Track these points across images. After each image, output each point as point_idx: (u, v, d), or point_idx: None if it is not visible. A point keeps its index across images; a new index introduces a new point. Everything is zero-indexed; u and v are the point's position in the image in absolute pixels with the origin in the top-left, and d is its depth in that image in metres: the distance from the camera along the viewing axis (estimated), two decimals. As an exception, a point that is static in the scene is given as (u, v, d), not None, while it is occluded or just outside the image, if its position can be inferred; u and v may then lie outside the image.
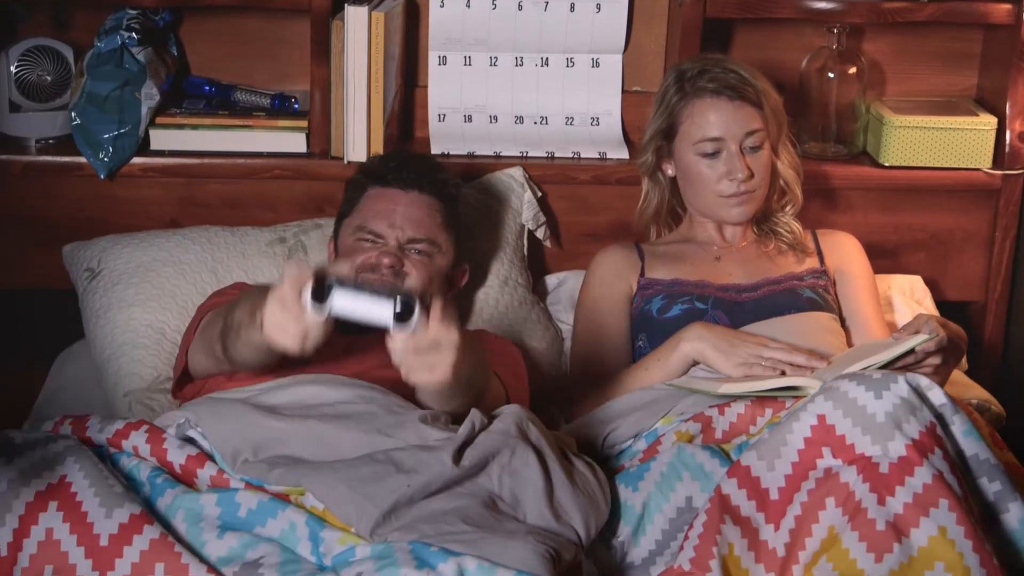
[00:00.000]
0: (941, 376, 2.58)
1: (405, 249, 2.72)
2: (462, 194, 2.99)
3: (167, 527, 2.16)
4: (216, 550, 2.13)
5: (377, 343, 2.66)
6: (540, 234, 3.19)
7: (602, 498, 2.33)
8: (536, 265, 3.22)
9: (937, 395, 2.18)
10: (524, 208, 3.15)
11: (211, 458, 2.30)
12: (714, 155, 2.81)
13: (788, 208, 2.92)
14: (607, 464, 2.49)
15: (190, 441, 2.34)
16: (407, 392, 2.51)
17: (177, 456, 2.28)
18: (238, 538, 2.14)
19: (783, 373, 2.56)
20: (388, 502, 2.15)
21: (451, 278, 2.84)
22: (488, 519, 2.18)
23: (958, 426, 2.17)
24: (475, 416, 2.31)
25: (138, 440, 2.30)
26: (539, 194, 3.18)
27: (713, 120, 2.80)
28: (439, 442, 2.26)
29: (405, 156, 2.97)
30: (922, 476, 2.06)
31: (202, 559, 2.12)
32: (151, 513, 2.16)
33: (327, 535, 2.13)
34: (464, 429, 2.28)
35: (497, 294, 3.03)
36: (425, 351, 2.12)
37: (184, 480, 2.28)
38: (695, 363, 2.68)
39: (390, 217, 2.74)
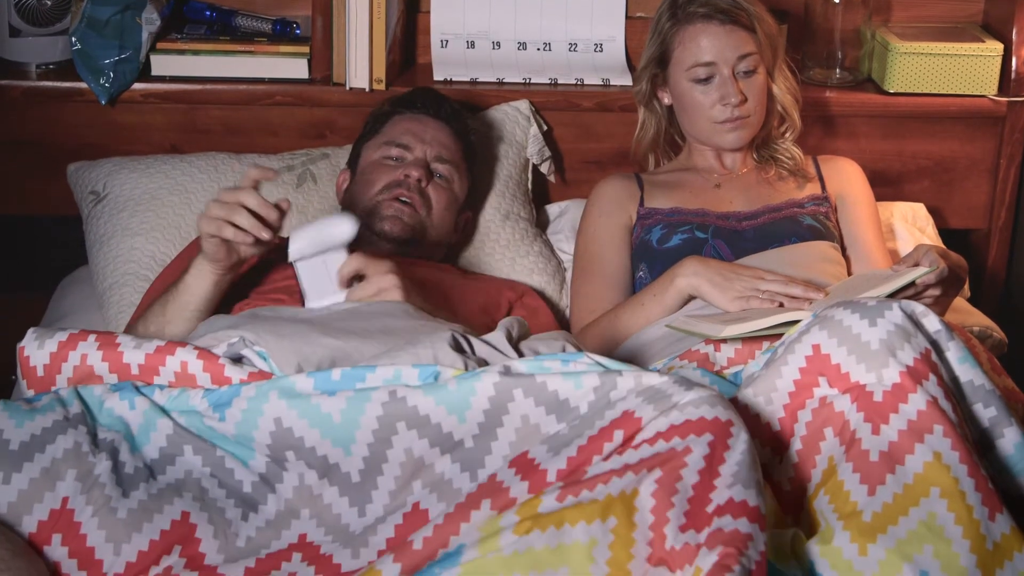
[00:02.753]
0: (941, 307, 2.57)
1: (431, 169, 2.79)
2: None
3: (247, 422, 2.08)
4: (336, 405, 2.04)
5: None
6: (545, 168, 3.18)
7: None
8: (539, 193, 3.21)
9: (932, 322, 2.17)
10: (529, 142, 3.14)
11: (275, 375, 2.19)
12: (707, 81, 2.80)
13: (788, 134, 2.91)
14: None
15: (239, 361, 2.24)
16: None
17: (237, 372, 2.17)
18: (352, 392, 2.05)
19: (780, 305, 2.55)
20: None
21: (456, 222, 2.88)
22: None
23: (953, 352, 2.16)
24: (508, 322, 2.28)
25: (187, 356, 2.18)
26: (545, 128, 3.17)
27: (705, 45, 2.78)
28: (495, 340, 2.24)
29: (433, 92, 3.01)
30: (916, 403, 2.05)
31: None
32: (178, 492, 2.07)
33: (442, 369, 2.08)
34: (502, 329, 2.25)
35: (499, 228, 3.03)
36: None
37: None
38: (691, 297, 2.67)
39: (420, 134, 2.83)
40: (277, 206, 2.40)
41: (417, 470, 2.03)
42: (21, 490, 2.04)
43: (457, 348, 2.16)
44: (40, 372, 2.22)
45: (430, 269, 2.76)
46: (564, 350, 2.24)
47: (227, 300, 2.59)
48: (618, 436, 1.95)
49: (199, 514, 2.05)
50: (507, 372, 2.04)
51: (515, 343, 2.24)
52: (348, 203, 2.84)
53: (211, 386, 2.18)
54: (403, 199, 2.76)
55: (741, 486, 1.85)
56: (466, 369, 2.10)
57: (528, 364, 2.07)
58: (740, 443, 1.92)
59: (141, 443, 2.14)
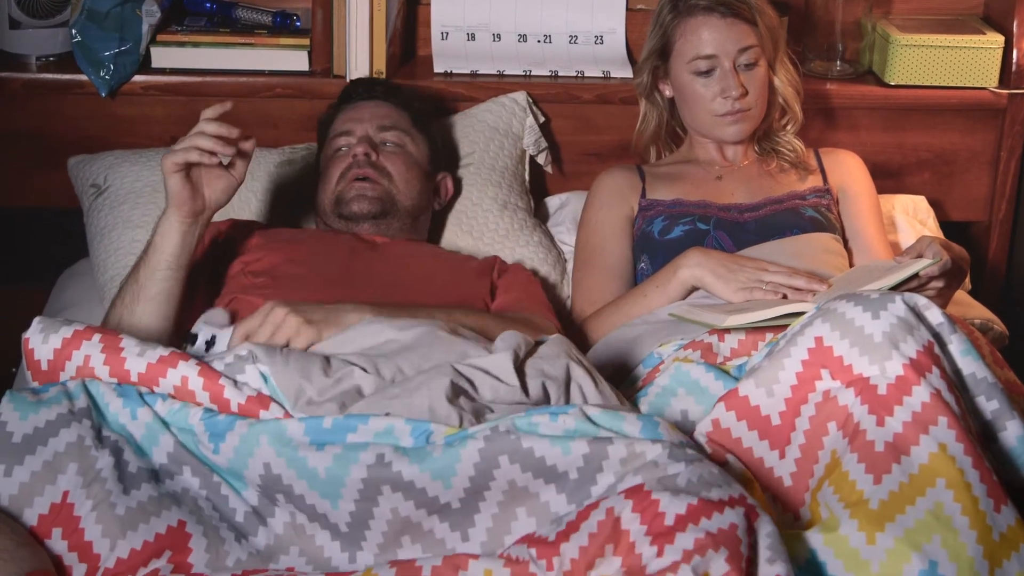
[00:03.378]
0: (943, 299, 2.57)
1: (377, 142, 2.83)
2: (460, 117, 3.10)
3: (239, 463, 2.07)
4: (322, 462, 2.02)
5: (373, 266, 2.68)
6: (541, 159, 3.18)
7: None
8: (539, 186, 3.21)
9: (935, 314, 2.17)
10: (525, 133, 3.13)
11: (273, 400, 2.17)
12: (708, 73, 2.80)
13: (789, 127, 2.91)
14: None
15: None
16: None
17: (236, 395, 2.15)
18: (341, 448, 2.04)
19: (784, 296, 2.55)
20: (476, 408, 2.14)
21: (436, 187, 2.93)
22: None
23: (956, 345, 2.16)
24: (515, 342, 2.27)
25: (188, 371, 2.16)
26: (542, 119, 3.16)
27: (706, 38, 2.78)
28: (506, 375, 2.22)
29: (365, 79, 3.06)
30: (920, 395, 2.05)
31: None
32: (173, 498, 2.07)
33: (435, 427, 2.06)
34: (508, 350, 2.24)
35: (497, 218, 3.02)
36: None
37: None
38: (694, 288, 2.67)
39: (359, 117, 2.88)
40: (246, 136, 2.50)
41: (405, 527, 2.02)
42: (22, 483, 2.04)
43: (456, 392, 2.14)
44: (44, 366, 2.21)
45: (414, 250, 2.80)
46: (568, 369, 2.23)
47: (203, 289, 2.63)
48: (619, 499, 1.92)
49: (195, 526, 2.05)
50: (493, 437, 2.01)
51: (521, 363, 2.22)
52: (320, 207, 2.86)
53: (210, 404, 2.17)
54: (359, 177, 2.79)
55: (782, 562, 1.85)
56: (460, 423, 2.09)
57: (518, 421, 2.05)
58: (764, 515, 1.92)
59: (142, 455, 2.14)
